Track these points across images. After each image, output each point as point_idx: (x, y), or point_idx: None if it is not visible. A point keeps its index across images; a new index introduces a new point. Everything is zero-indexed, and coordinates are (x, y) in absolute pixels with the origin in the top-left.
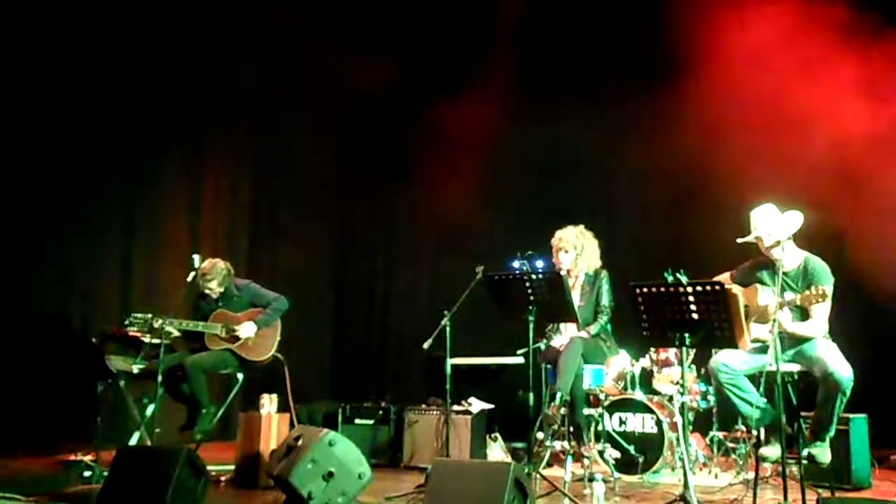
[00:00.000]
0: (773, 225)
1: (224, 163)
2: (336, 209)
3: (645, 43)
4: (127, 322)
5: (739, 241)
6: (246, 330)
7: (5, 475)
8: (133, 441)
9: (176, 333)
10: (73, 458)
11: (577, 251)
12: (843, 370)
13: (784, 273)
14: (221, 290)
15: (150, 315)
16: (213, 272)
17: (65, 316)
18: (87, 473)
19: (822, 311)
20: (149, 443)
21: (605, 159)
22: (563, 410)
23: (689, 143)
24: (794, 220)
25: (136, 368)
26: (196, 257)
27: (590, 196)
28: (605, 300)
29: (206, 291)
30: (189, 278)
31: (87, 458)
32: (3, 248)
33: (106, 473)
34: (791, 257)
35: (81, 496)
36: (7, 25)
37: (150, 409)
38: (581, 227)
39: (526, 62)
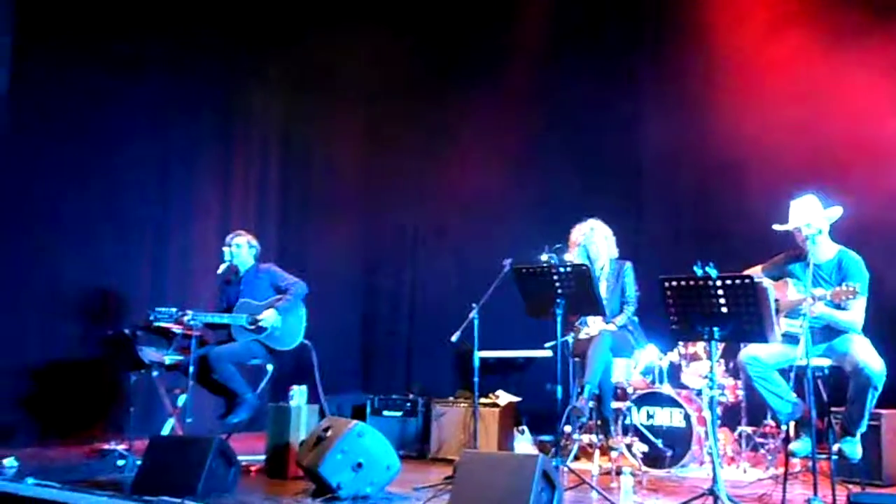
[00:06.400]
0: (813, 216)
1: (253, 152)
2: (364, 198)
3: (673, 27)
4: (152, 317)
5: (776, 227)
6: (268, 318)
7: (41, 464)
8: (165, 430)
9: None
10: (107, 447)
11: (606, 241)
12: (874, 365)
13: (818, 266)
14: (247, 258)
15: (174, 309)
16: (245, 237)
17: (98, 307)
18: (120, 462)
19: (857, 305)
20: (181, 432)
21: (634, 149)
22: (591, 404)
23: (720, 133)
24: (834, 213)
25: (168, 359)
26: (227, 249)
27: (619, 187)
28: (630, 291)
29: (232, 256)
30: (220, 270)
31: (121, 447)
32: (38, 242)
33: (139, 462)
34: (825, 250)
35: (115, 484)
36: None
37: (181, 399)
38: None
39: (552, 49)
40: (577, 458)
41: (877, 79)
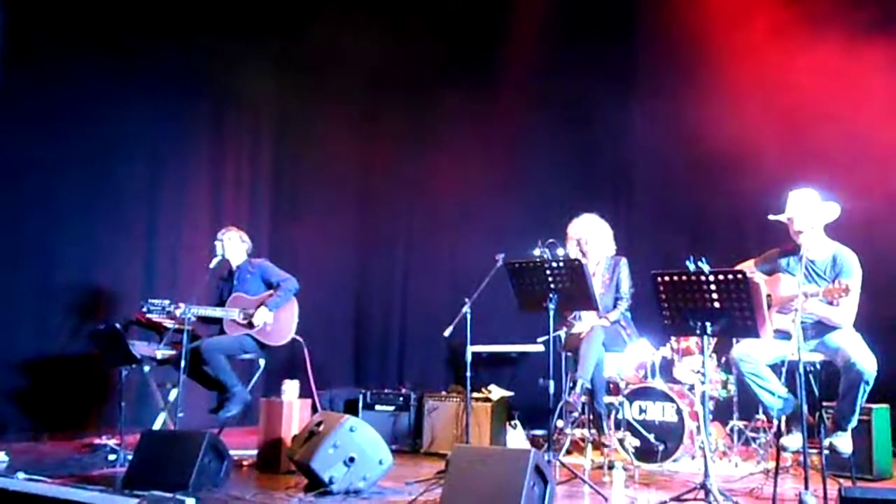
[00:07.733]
0: (809, 209)
1: (245, 147)
2: (357, 193)
3: (666, 23)
4: (145, 308)
5: (771, 217)
6: (261, 317)
7: (32, 458)
8: (157, 425)
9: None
10: (98, 441)
11: (600, 237)
12: (866, 360)
13: (812, 262)
14: (239, 253)
15: (167, 301)
16: (236, 232)
17: (90, 302)
18: (111, 457)
19: (849, 302)
20: (172, 427)
21: (627, 144)
22: (583, 398)
23: (712, 128)
24: (831, 210)
25: (159, 354)
26: (218, 244)
27: (611, 182)
28: (625, 287)
29: (223, 251)
30: (212, 264)
31: (112, 442)
32: (29, 237)
33: (130, 457)
34: (820, 247)
35: (107, 478)
36: None
37: (173, 394)
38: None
39: (546, 45)
40: (569, 452)
41: (871, 75)
